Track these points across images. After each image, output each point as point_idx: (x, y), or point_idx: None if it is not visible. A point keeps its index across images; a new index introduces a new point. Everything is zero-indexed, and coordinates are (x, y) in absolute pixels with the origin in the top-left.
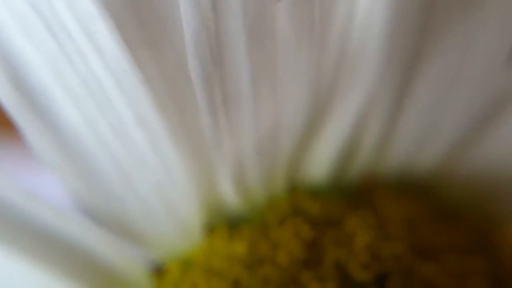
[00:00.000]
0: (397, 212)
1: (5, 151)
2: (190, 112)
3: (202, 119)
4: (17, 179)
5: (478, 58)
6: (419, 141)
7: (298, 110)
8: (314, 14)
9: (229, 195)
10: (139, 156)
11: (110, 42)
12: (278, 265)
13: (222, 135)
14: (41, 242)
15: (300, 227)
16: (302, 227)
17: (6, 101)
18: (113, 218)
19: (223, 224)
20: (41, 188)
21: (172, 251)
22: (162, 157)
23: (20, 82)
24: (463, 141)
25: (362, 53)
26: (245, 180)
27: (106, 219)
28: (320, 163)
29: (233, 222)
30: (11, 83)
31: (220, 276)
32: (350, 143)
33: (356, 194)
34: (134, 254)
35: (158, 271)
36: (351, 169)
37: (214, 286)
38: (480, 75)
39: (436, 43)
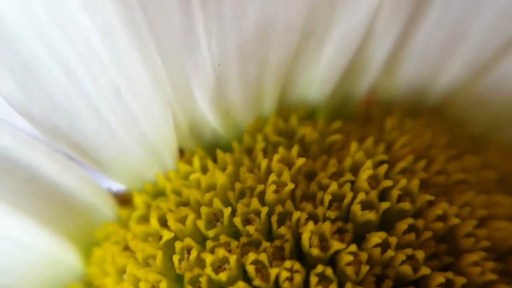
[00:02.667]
0: (409, 143)
1: None
2: (159, 7)
3: (173, 14)
4: None
5: None
6: (435, 61)
7: (296, 5)
8: None
9: (207, 114)
10: (89, 52)
11: None
12: (263, 198)
13: (198, 34)
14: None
15: (290, 155)
16: (294, 155)
17: None
18: (64, 134)
19: (199, 150)
20: None
21: (138, 177)
22: (118, 58)
23: None
24: (481, 63)
25: None
26: (225, 96)
27: (57, 135)
28: (319, 80)
29: (211, 149)
30: None
31: (194, 207)
32: (356, 57)
33: (362, 120)
34: (99, 182)
35: (124, 200)
36: (357, 89)
37: (186, 217)
38: None
39: None
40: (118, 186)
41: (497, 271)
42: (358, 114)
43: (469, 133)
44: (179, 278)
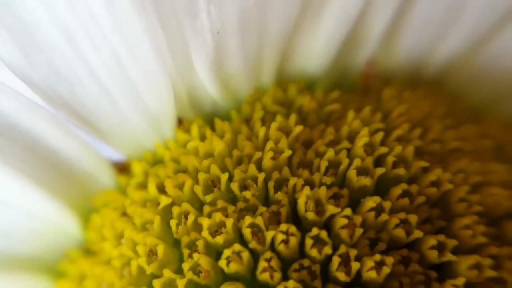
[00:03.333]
0: (406, 112)
1: None
2: None
3: None
4: None
5: None
6: (434, 33)
7: None
8: None
9: (206, 84)
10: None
11: None
12: (260, 165)
13: (198, 1)
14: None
15: (288, 123)
16: (291, 123)
17: None
18: (64, 101)
19: (198, 119)
20: None
21: (138, 146)
22: (120, 26)
23: None
24: (480, 36)
25: None
26: (224, 66)
27: (57, 101)
28: (318, 51)
29: (210, 118)
30: None
31: (191, 174)
32: (355, 29)
33: (361, 91)
34: (99, 149)
35: (123, 169)
36: (356, 61)
37: (184, 183)
38: None
39: None
40: (118, 156)
41: (489, 235)
42: (357, 86)
43: (468, 105)
44: (176, 243)
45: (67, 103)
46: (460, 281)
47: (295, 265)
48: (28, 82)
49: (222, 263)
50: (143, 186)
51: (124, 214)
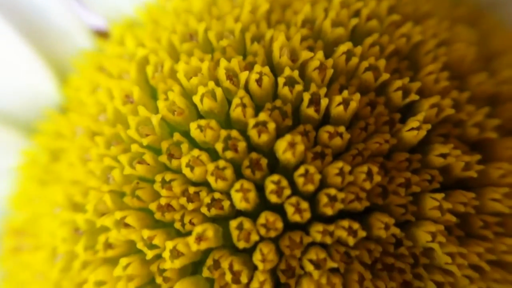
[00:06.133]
0: None
1: None
2: None
3: None
4: None
5: None
6: None
7: None
8: None
9: None
10: None
11: None
12: (238, 18)
13: None
14: None
15: None
16: None
17: None
18: None
19: None
20: None
21: (117, 11)
22: None
23: None
24: None
25: None
26: None
27: None
28: None
29: None
30: None
31: (170, 29)
32: None
33: None
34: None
35: (104, 34)
36: None
37: (161, 37)
38: None
39: None
40: (100, 22)
41: (453, 85)
42: None
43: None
44: (152, 91)
45: None
46: (421, 116)
47: (268, 105)
48: None
49: (196, 98)
50: (121, 43)
51: (101, 68)
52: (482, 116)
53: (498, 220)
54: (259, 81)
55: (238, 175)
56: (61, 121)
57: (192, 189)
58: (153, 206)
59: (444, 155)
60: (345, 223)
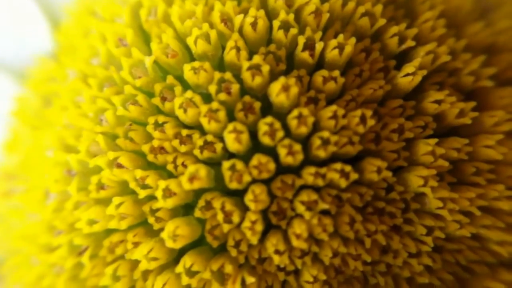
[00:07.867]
0: None
1: None
2: None
3: None
4: None
5: None
6: None
7: None
8: None
9: None
10: None
11: None
12: None
13: None
14: None
15: None
16: None
17: None
18: None
19: None
20: None
21: None
22: None
23: None
24: None
25: None
26: None
27: None
28: None
29: None
30: None
31: None
32: None
33: None
34: None
35: None
36: None
37: None
38: None
39: None
40: None
41: (449, 33)
42: None
43: None
44: (146, 38)
45: None
46: (416, 62)
47: (262, 50)
48: None
49: (190, 40)
50: None
51: (93, 12)
52: (478, 64)
53: (491, 167)
54: (253, 25)
55: (231, 118)
56: (53, 66)
57: (184, 132)
58: (145, 148)
59: (438, 102)
60: (338, 165)
